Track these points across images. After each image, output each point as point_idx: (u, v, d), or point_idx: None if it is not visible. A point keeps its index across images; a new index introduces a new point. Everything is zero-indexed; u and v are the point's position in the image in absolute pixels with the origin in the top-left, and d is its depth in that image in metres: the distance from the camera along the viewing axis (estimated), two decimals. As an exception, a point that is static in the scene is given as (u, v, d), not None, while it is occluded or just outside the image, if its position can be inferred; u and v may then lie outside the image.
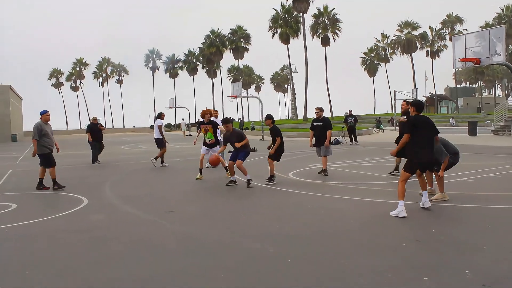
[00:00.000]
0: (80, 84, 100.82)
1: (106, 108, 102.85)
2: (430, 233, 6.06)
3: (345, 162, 15.37)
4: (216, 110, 18.15)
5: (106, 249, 5.81)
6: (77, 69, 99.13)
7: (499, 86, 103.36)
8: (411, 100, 9.29)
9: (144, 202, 9.11)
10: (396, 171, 11.80)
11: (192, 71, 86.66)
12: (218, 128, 12.67)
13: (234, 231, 6.53)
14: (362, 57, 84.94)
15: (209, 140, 12.15)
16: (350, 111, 27.24)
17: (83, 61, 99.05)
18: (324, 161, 12.38)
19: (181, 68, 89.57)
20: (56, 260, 5.38)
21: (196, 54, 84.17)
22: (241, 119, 70.13)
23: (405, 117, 10.37)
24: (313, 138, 12.57)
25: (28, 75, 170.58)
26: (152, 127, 77.58)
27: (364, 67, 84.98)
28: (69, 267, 5.09)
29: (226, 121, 11.09)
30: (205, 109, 12.88)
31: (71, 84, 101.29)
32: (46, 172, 11.03)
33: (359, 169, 13.25)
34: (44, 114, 11.12)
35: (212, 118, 16.95)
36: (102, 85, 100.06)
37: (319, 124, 12.47)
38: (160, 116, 16.59)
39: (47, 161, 10.96)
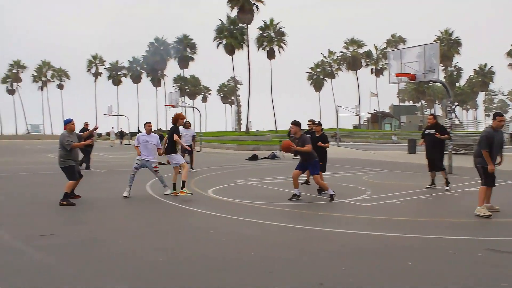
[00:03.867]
0: (17, 88, 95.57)
1: (45, 113, 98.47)
2: (341, 271, 4.81)
3: (275, 179, 14.21)
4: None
5: None
6: (14, 71, 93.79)
7: (439, 105, 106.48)
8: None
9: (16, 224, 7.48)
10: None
11: (136, 79, 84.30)
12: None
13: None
14: (309, 72, 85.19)
15: None
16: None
17: (20, 63, 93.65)
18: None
19: (124, 75, 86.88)
20: None
21: (140, 61, 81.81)
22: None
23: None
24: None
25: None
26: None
27: (310, 82, 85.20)
28: None
29: (296, 123, 9.89)
30: None
31: (7, 87, 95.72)
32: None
33: (286, 187, 11.93)
34: (69, 123, 9.37)
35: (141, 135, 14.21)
36: (42, 89, 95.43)
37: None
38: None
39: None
